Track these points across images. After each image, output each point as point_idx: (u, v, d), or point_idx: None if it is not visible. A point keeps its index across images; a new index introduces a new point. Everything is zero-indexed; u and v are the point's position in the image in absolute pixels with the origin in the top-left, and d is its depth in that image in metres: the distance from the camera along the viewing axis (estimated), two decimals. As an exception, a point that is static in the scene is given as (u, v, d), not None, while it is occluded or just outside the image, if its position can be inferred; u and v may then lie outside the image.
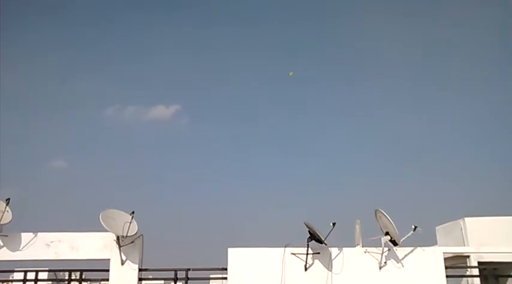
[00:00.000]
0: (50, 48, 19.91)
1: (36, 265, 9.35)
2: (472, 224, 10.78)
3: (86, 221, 10.03)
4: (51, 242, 8.87)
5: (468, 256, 10.16)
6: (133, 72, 22.44)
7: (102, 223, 8.35)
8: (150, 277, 11.21)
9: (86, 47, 21.03)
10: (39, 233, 8.90)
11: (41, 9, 20.09)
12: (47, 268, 10.09)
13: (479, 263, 9.91)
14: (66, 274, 9.54)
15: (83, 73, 20.83)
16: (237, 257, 8.83)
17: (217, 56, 23.24)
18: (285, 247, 8.77)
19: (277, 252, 8.73)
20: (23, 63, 18.88)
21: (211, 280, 9.82)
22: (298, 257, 8.75)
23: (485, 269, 9.68)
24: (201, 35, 22.72)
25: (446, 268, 8.73)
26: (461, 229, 10.98)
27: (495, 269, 9.70)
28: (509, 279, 9.39)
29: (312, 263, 8.78)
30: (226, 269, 8.80)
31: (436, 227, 11.94)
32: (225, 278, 8.90)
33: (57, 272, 10.44)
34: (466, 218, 10.90)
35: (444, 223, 11.66)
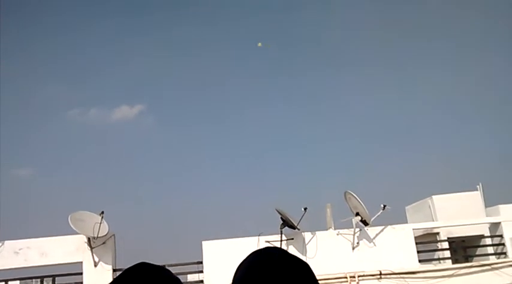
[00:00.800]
0: (9, 53, 19.32)
1: (5, 275, 9.08)
2: (440, 201, 11.04)
3: (56, 227, 9.82)
4: (19, 249, 8.64)
5: (438, 233, 10.41)
6: (95, 74, 22.05)
7: (71, 225, 8.20)
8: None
9: (45, 51, 20.51)
10: (6, 242, 8.66)
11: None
12: (18, 277, 9.82)
13: (448, 238, 10.17)
14: (38, 281, 9.30)
15: (43, 78, 20.30)
16: (212, 250, 8.82)
17: (180, 55, 23.05)
18: (259, 235, 8.80)
19: (251, 241, 8.75)
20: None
21: (188, 275, 9.76)
22: (272, 244, 8.79)
23: (453, 241, 9.96)
24: (164, 35, 22.48)
25: (417, 244, 8.94)
26: (430, 207, 11.23)
27: (463, 241, 9.99)
28: (477, 249, 9.68)
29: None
30: (202, 262, 8.78)
31: (406, 207, 12.18)
32: (201, 271, 8.87)
33: (28, 280, 10.18)
34: (433, 197, 11.15)
35: (413, 202, 11.91)
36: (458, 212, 10.34)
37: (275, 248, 1.13)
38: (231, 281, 1.06)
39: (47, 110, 20.91)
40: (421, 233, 10.14)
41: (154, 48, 22.54)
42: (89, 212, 8.70)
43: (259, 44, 12.54)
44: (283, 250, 1.13)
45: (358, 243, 8.88)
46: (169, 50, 22.87)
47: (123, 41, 22.39)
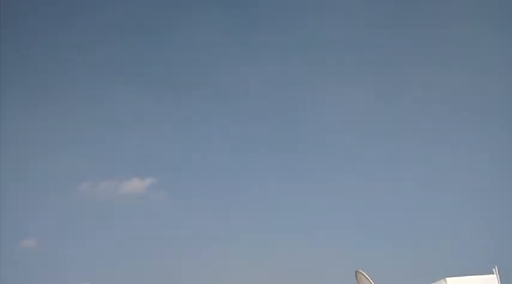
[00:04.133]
0: (19, 124, 19.85)
1: None
2: (454, 284, 10.67)
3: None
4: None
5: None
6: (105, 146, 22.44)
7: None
8: None
9: (55, 122, 21.05)
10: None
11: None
12: None
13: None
14: None
15: (54, 150, 20.66)
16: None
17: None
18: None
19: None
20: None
21: None
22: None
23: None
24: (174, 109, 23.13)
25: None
26: (444, 289, 10.84)
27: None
28: None
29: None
30: None
31: (419, 289, 11.77)
32: None
33: None
34: (447, 279, 10.80)
35: None
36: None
37: None
38: None
39: (58, 182, 21.04)
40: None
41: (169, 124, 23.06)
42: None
43: None
44: None
45: (369, 325, 8.49)
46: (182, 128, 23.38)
47: (135, 113, 22.96)
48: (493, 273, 10.24)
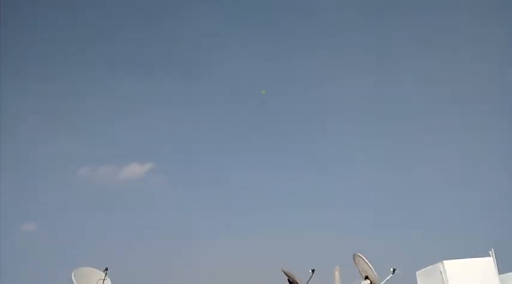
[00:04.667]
0: (20, 109, 19.81)
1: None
2: (451, 267, 10.73)
3: (59, 282, 9.67)
4: (21, 305, 8.48)
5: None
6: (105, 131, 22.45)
7: (74, 281, 8.10)
8: None
9: (55, 106, 21.04)
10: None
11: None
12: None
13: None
14: None
15: (54, 134, 20.67)
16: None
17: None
18: (265, 296, 8.59)
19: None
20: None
21: None
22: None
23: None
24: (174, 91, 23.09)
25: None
26: (441, 272, 10.91)
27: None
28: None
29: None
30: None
31: (417, 272, 11.85)
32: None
33: None
34: (445, 262, 10.85)
35: (424, 267, 11.63)
36: (471, 278, 10.03)
37: None
38: None
39: (58, 167, 21.10)
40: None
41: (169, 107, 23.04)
42: (92, 268, 8.63)
43: (263, 92, 12.73)
44: None
45: (367, 307, 8.61)
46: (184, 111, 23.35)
47: (135, 99, 22.93)
48: (489, 256, 10.33)
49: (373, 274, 8.50)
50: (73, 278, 8.17)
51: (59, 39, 22.84)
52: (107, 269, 8.45)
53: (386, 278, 8.59)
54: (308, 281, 8.51)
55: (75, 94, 22.45)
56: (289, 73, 23.46)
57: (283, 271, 8.70)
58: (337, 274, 9.18)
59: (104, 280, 8.35)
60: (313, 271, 8.57)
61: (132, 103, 23.06)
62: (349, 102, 22.90)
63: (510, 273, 9.85)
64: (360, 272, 8.72)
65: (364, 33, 23.28)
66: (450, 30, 22.13)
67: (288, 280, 8.61)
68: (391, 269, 8.57)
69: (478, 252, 10.96)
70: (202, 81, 23.92)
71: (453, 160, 20.75)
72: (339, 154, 22.84)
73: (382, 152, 22.12)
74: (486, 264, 10.30)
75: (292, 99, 23.52)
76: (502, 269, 10.15)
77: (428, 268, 11.21)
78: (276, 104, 22.79)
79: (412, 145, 21.84)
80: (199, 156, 23.33)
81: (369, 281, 8.55)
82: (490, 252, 10.32)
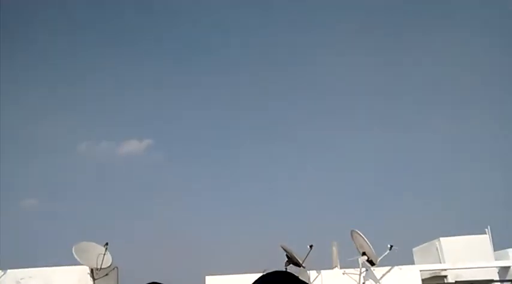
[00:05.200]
0: (19, 86, 19.69)
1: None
2: (447, 244, 10.88)
3: (59, 257, 9.75)
4: (21, 279, 8.58)
5: (446, 276, 10.23)
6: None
7: (75, 255, 8.17)
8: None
9: (55, 83, 20.93)
10: (8, 270, 8.61)
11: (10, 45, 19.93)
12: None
13: (456, 282, 9.97)
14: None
15: (54, 111, 20.62)
16: (215, 286, 8.70)
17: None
18: (263, 272, 8.66)
19: (255, 278, 8.61)
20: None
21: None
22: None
23: (462, 286, 9.76)
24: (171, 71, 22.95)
25: (424, 286, 8.76)
26: (437, 249, 11.05)
27: (471, 285, 9.79)
28: (486, 295, 9.47)
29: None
30: (204, 297, 8.64)
31: (413, 249, 12.00)
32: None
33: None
34: (441, 239, 10.98)
35: (420, 244, 11.77)
36: (467, 255, 10.16)
37: (282, 271, 1.14)
38: None
39: (57, 143, 21.11)
40: (428, 276, 9.96)
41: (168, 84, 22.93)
42: (93, 243, 8.69)
43: None
44: (290, 273, 1.14)
45: (364, 283, 8.73)
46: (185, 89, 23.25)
47: (135, 75, 22.79)
48: (485, 233, 10.45)
49: (370, 250, 8.61)
50: (74, 252, 8.24)
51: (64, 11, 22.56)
52: (107, 244, 8.51)
53: (384, 254, 8.71)
54: (306, 257, 8.64)
55: (75, 69, 22.34)
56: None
57: (282, 247, 8.81)
58: (334, 249, 9.30)
59: (104, 254, 8.42)
60: (311, 246, 8.69)
61: (132, 80, 22.98)
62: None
63: (506, 250, 9.97)
64: (357, 248, 8.83)
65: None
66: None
67: (287, 255, 8.72)
68: (388, 246, 8.68)
69: (474, 229, 11.07)
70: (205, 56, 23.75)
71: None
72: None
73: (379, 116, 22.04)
74: (482, 241, 10.42)
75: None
76: (497, 246, 10.26)
77: (424, 244, 11.34)
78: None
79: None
80: (200, 132, 23.32)
81: (366, 257, 8.67)
82: (486, 229, 10.42)
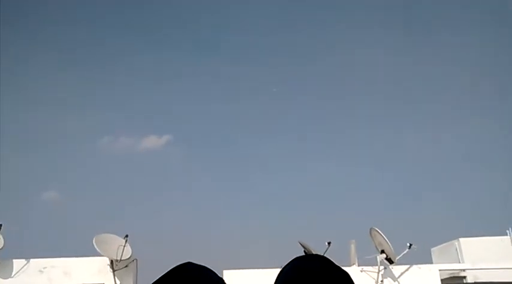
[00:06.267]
0: (43, 80, 20.04)
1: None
2: (467, 244, 10.77)
3: (80, 248, 9.92)
4: (43, 268, 8.74)
5: (465, 277, 10.12)
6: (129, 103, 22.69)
7: (95, 247, 8.30)
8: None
9: (76, 78, 21.23)
10: (31, 260, 8.78)
11: (36, 38, 20.27)
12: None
13: (475, 283, 9.87)
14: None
15: (75, 105, 20.94)
16: (233, 280, 8.75)
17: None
18: (281, 267, 8.69)
19: (272, 273, 8.64)
20: (12, 95, 19.01)
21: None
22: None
23: (481, 287, 9.65)
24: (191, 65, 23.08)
25: (443, 286, 8.69)
26: (457, 249, 10.94)
27: (491, 287, 9.67)
28: (505, 297, 9.34)
29: None
30: (222, 291, 8.69)
31: (432, 249, 11.89)
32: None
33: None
34: (460, 239, 10.86)
35: (439, 244, 11.66)
36: (487, 256, 10.06)
37: (317, 255, 1.16)
38: None
39: (78, 137, 21.45)
40: (447, 276, 9.87)
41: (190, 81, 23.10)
42: (113, 235, 8.81)
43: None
44: (325, 257, 1.16)
45: (382, 281, 8.71)
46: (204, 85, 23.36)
47: (154, 68, 22.98)
48: (507, 234, 10.30)
49: (389, 248, 8.56)
50: (94, 243, 8.37)
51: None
52: (127, 236, 8.63)
53: (403, 253, 8.66)
54: (324, 253, 8.61)
55: (95, 64, 22.61)
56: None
57: (300, 243, 8.84)
58: (352, 247, 9.28)
59: (124, 246, 8.54)
60: (329, 243, 8.69)
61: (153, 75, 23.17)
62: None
63: (527, 252, 9.81)
64: (376, 246, 8.80)
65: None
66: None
67: (304, 251, 8.72)
68: (407, 244, 8.63)
69: (495, 231, 10.94)
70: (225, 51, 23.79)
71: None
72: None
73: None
74: (503, 242, 10.28)
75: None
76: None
77: (443, 244, 11.24)
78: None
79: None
80: (219, 127, 23.40)
81: (384, 255, 8.63)
82: (508, 231, 10.28)
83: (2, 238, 8.68)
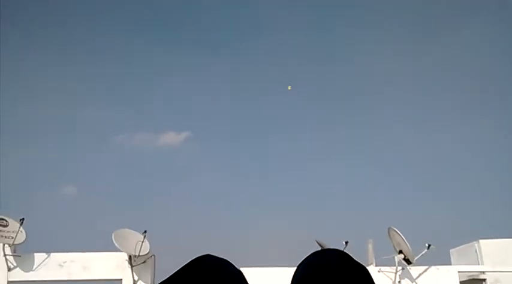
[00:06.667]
0: (59, 75, 20.31)
1: (48, 286, 9.32)
2: (487, 246, 10.60)
3: (99, 243, 10.06)
4: (63, 262, 8.89)
5: (484, 280, 9.98)
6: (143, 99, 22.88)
7: (114, 242, 8.40)
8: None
9: (95, 73, 21.47)
10: (52, 254, 8.92)
11: (47, 32, 20.52)
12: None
13: (495, 286, 9.72)
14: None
15: (92, 101, 21.20)
16: (248, 277, 8.75)
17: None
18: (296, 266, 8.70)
19: (288, 272, 8.65)
20: (30, 90, 19.34)
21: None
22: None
23: (501, 290, 9.50)
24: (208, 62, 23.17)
25: (462, 288, 8.59)
26: (476, 251, 10.78)
27: (511, 291, 9.52)
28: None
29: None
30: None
31: (450, 250, 11.75)
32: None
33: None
34: (480, 241, 10.71)
35: (458, 245, 11.51)
36: (507, 259, 9.91)
37: (335, 250, 1.16)
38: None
39: (95, 133, 21.72)
40: (466, 278, 9.74)
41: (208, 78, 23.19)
42: (131, 230, 8.90)
43: (289, 87, 12.60)
44: (343, 252, 1.16)
45: (400, 282, 8.64)
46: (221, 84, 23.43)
47: (172, 67, 23.11)
48: (526, 236, 10.10)
49: (407, 248, 8.49)
50: (113, 239, 8.47)
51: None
52: (145, 231, 8.71)
53: (421, 253, 8.57)
54: (341, 253, 8.55)
55: (112, 61, 22.84)
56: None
57: (317, 242, 8.82)
58: (370, 246, 9.21)
59: (142, 242, 8.62)
60: (346, 242, 8.65)
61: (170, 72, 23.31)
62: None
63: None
64: (394, 246, 8.73)
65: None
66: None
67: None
68: (426, 245, 8.54)
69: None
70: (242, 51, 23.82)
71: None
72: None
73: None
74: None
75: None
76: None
77: (463, 246, 11.09)
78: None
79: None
80: (237, 124, 23.43)
81: (402, 256, 8.56)
82: (528, 233, 10.07)
83: (24, 232, 8.84)
